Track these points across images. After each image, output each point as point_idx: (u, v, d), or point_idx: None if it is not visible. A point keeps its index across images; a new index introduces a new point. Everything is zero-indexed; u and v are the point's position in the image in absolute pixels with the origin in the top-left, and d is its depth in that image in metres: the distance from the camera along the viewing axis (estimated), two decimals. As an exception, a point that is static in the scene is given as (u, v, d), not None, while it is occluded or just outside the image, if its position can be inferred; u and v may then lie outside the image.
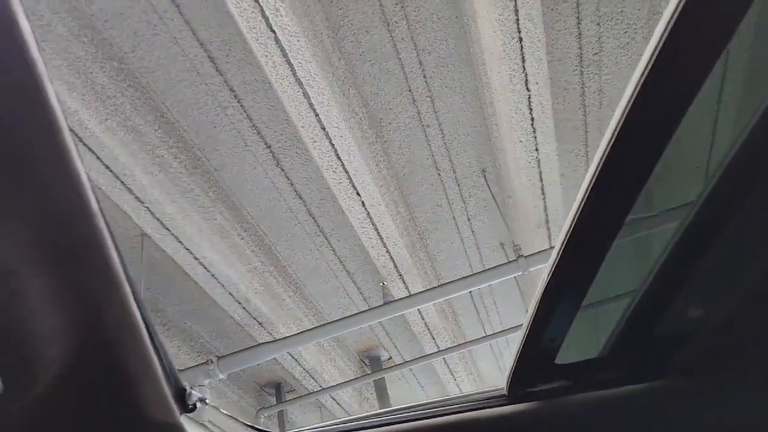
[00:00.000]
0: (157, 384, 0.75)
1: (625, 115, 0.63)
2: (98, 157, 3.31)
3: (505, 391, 1.13)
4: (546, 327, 0.97)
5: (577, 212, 0.76)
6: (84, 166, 0.55)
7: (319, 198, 4.20)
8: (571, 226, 0.80)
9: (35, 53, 0.46)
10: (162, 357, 0.73)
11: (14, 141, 0.47)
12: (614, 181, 0.71)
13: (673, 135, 0.66)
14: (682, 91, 0.60)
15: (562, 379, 1.07)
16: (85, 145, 3.23)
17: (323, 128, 3.41)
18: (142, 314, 0.65)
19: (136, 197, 3.63)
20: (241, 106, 3.48)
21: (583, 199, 0.74)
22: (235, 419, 0.97)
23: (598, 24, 3.41)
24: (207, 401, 0.84)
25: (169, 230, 3.91)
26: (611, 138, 0.67)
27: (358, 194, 3.93)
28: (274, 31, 2.85)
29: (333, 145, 3.53)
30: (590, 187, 0.72)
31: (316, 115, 3.33)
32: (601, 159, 0.69)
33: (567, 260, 0.83)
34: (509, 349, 6.56)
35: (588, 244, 0.82)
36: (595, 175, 0.71)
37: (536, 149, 3.88)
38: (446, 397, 1.17)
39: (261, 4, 2.71)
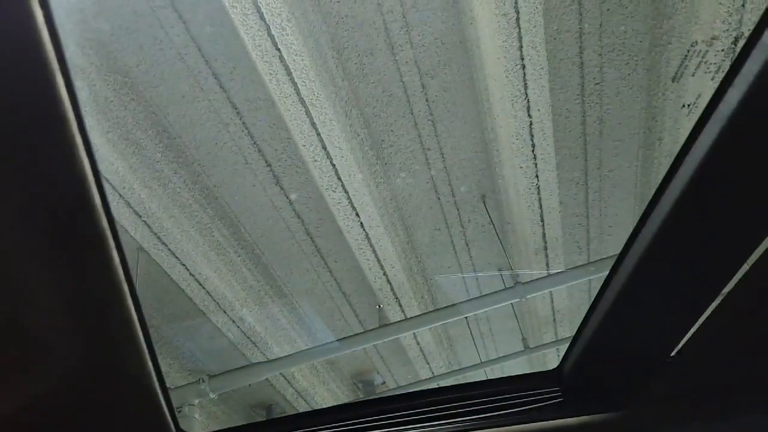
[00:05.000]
0: (152, 398, 0.73)
1: None
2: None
3: (557, 387, 1.07)
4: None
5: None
6: (96, 165, 0.54)
7: (317, 218, 4.19)
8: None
9: (48, 43, 0.45)
10: (158, 371, 0.71)
11: (22, 135, 0.46)
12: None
13: None
14: None
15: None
16: (85, 156, 3.23)
17: (324, 148, 3.42)
18: (141, 324, 0.64)
19: (134, 211, 3.61)
20: (243, 123, 3.49)
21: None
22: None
23: (600, 54, 3.44)
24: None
25: (166, 245, 3.89)
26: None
27: (357, 215, 3.93)
28: (279, 50, 2.87)
29: (334, 165, 3.53)
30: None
31: (318, 134, 3.34)
32: None
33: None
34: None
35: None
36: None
37: (536, 176, 3.88)
38: (466, 385, 1.09)
39: (268, 23, 2.74)
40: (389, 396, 1.11)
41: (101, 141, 3.18)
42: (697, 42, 3.31)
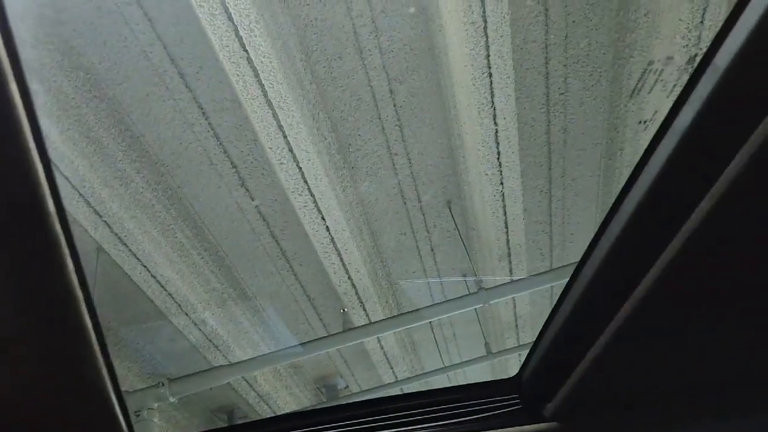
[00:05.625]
0: (105, 403, 0.71)
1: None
2: (56, 167, 3.22)
3: (516, 394, 1.07)
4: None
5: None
6: (49, 166, 0.53)
7: (283, 221, 4.16)
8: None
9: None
10: (112, 376, 0.70)
11: None
12: None
13: None
14: None
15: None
16: (44, 154, 3.14)
17: (291, 150, 3.40)
18: (95, 329, 0.62)
19: (95, 210, 3.53)
20: (209, 123, 3.44)
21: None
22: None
23: (565, 65, 3.51)
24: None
25: (127, 246, 3.82)
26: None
27: (323, 219, 3.91)
28: (247, 51, 2.85)
29: (300, 168, 3.52)
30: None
31: (285, 137, 3.32)
32: None
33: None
34: (467, 381, 6.54)
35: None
36: None
37: (501, 183, 3.93)
38: (431, 391, 1.09)
39: (236, 24, 2.71)
40: (350, 403, 1.11)
41: (61, 138, 3.10)
42: (653, 61, 3.41)
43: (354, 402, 1.12)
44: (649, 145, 0.78)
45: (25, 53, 2.76)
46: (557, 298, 1.05)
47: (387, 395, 1.16)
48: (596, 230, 0.92)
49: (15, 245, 0.52)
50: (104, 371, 0.65)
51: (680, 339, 0.93)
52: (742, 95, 0.59)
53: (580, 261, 0.96)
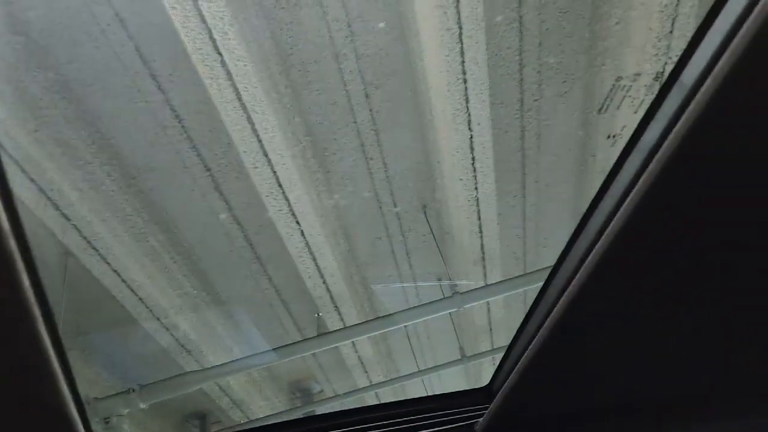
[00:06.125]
0: (66, 420, 0.69)
1: None
2: (23, 170, 3.15)
3: (488, 404, 1.05)
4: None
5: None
6: (4, 180, 0.51)
7: (257, 225, 4.12)
8: None
9: None
10: (74, 391, 0.68)
11: None
12: None
13: None
14: None
15: None
16: (10, 156, 3.07)
17: (266, 154, 3.38)
18: (54, 345, 0.60)
19: (63, 214, 3.46)
20: (182, 126, 3.40)
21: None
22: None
23: (539, 72, 3.55)
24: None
25: (97, 250, 3.74)
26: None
27: (297, 223, 3.89)
28: (221, 54, 2.82)
29: (275, 171, 3.49)
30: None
31: (260, 140, 3.29)
32: None
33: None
34: (442, 385, 6.57)
35: None
36: None
37: (476, 188, 3.96)
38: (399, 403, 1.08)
39: (209, 26, 2.68)
40: (321, 414, 1.10)
41: (27, 140, 3.03)
42: (622, 77, 3.46)
43: (323, 414, 1.11)
44: (617, 159, 0.79)
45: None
46: (531, 302, 1.05)
47: (360, 406, 1.16)
48: (568, 238, 0.93)
49: None
50: (66, 390, 0.63)
51: (663, 346, 0.93)
52: (711, 112, 0.60)
53: (552, 269, 0.97)
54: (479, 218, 4.23)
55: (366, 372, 5.65)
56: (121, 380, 4.92)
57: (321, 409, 6.23)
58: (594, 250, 0.80)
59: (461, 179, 3.85)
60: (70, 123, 3.14)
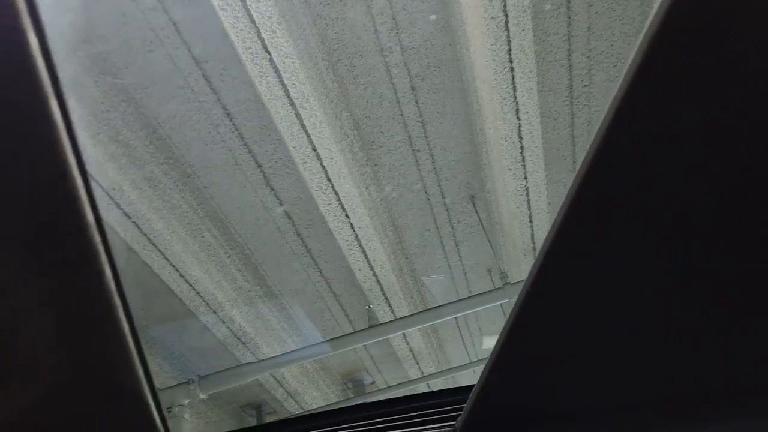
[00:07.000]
0: (142, 405, 0.74)
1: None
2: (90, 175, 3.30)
3: None
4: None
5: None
6: (86, 177, 0.54)
7: (308, 219, 4.20)
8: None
9: (31, 33, 0.44)
10: (149, 377, 0.72)
11: (3, 134, 0.45)
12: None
13: None
14: None
15: None
16: (74, 158, 3.22)
17: (314, 149, 3.43)
18: (132, 333, 0.64)
19: (124, 212, 3.61)
20: (234, 124, 3.49)
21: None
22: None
23: (588, 57, 3.48)
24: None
25: (156, 246, 3.89)
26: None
27: (347, 216, 3.94)
28: (269, 52, 2.88)
29: (324, 166, 3.54)
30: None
31: (308, 136, 3.34)
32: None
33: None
34: (493, 376, 6.51)
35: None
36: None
37: (525, 177, 3.91)
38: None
39: (258, 26, 2.74)
40: (302, 415, 1.12)
41: (91, 143, 3.17)
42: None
43: (307, 414, 1.12)
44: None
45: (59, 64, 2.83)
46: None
47: (344, 406, 1.16)
48: (556, 230, 0.90)
49: (55, 256, 0.54)
50: (142, 376, 0.67)
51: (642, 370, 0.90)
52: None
53: (539, 260, 0.93)
54: (529, 208, 4.19)
55: (417, 363, 5.68)
56: (181, 372, 5.10)
57: (372, 401, 6.29)
58: (578, 240, 0.75)
59: (510, 169, 3.82)
60: (129, 125, 3.26)
